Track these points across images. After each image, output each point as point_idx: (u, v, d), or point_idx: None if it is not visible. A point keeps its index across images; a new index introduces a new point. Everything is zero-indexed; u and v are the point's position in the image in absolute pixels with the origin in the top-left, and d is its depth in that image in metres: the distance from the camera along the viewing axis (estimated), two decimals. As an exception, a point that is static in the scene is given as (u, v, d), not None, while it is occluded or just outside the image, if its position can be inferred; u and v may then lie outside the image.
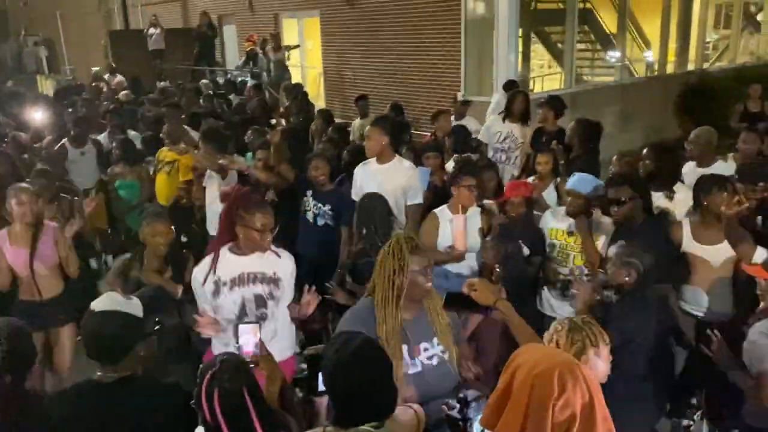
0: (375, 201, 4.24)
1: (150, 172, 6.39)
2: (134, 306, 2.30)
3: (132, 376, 2.28)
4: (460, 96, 8.10)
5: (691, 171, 4.60)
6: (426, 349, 2.72)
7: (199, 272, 3.25)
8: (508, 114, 6.55)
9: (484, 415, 1.74)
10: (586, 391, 1.58)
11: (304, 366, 2.06)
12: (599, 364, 2.43)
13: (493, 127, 6.67)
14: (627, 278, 3.21)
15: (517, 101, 6.53)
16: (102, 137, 7.30)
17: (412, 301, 2.71)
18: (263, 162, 5.30)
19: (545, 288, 4.29)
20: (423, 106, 10.72)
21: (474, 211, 4.49)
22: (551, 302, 4.25)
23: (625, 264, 3.24)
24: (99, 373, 2.27)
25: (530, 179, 5.34)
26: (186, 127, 6.80)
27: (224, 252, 3.26)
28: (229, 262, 3.25)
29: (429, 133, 7.85)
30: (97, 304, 2.27)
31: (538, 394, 1.57)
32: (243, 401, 2.02)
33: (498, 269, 3.52)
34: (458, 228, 4.27)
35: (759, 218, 4.03)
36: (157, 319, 2.41)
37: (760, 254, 3.35)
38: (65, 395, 2.31)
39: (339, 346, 2.08)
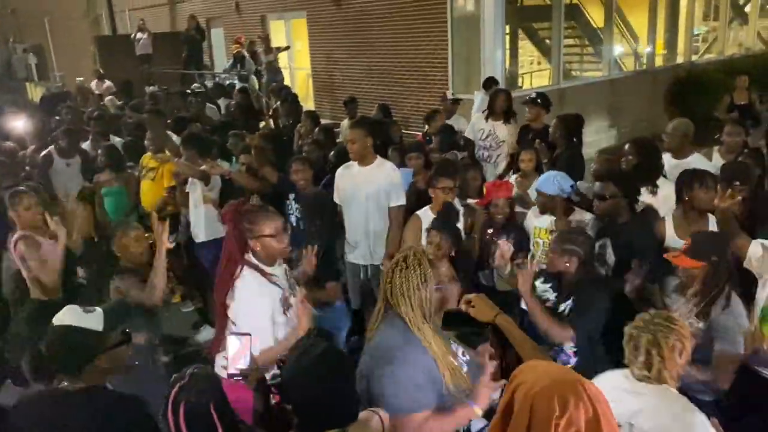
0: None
1: (136, 178, 6.35)
2: (94, 318, 2.26)
3: (89, 387, 2.25)
4: (449, 94, 8.06)
5: (667, 163, 4.58)
6: (462, 353, 2.64)
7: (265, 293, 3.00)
8: (491, 112, 6.59)
9: None
10: (590, 407, 1.53)
11: (278, 371, 2.04)
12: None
13: (477, 125, 6.71)
14: (567, 265, 3.20)
15: (499, 99, 6.57)
16: (85, 145, 7.24)
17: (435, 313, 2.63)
18: (246, 166, 5.27)
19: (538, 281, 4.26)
20: (412, 106, 10.71)
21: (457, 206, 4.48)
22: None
23: (565, 251, 3.22)
24: (64, 384, 2.26)
25: (512, 178, 5.34)
26: (170, 132, 6.75)
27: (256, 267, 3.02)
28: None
29: (419, 133, 7.85)
30: (57, 318, 2.25)
31: (539, 413, 1.52)
32: (209, 417, 1.98)
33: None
34: None
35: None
36: (126, 331, 2.36)
37: (754, 248, 3.32)
38: (23, 404, 2.28)
39: (301, 352, 2.08)
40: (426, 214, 4.45)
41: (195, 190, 5.52)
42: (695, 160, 4.55)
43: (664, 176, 4.39)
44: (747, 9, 15.53)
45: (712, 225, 3.72)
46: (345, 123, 8.33)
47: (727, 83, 9.49)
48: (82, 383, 2.24)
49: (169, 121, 7.43)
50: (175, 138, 6.54)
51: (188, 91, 10.18)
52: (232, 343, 2.43)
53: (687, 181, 3.76)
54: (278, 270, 3.09)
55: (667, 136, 4.86)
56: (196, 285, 6.01)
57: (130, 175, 6.28)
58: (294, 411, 2.05)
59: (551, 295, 3.67)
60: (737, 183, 3.88)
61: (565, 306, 3.37)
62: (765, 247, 3.37)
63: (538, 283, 3.89)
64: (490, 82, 8.08)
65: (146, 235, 4.02)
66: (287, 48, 13.30)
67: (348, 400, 2.05)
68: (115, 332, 2.30)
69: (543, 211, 4.18)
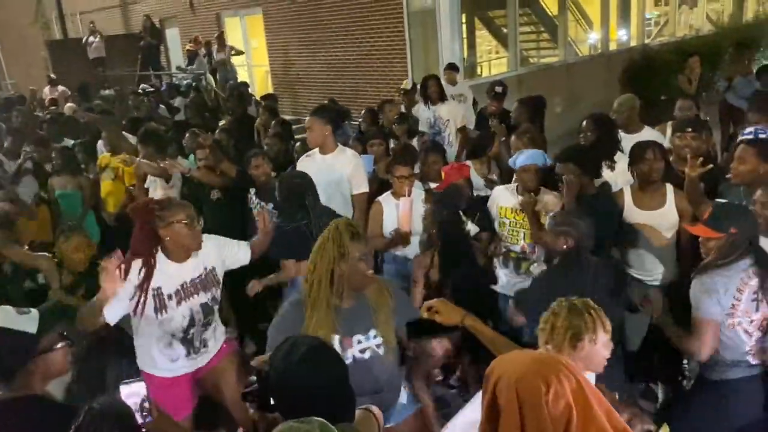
0: (304, 180, 4.13)
1: (92, 180, 6.23)
2: (28, 320, 2.13)
3: (20, 396, 2.08)
4: (407, 84, 8.09)
5: (622, 138, 4.67)
6: (359, 342, 2.64)
7: (132, 276, 3.05)
8: (427, 99, 6.81)
9: None
10: (572, 378, 1.54)
11: (253, 378, 1.88)
12: (594, 351, 2.26)
13: (422, 116, 6.85)
14: (565, 246, 3.24)
15: (430, 85, 6.82)
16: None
17: (352, 290, 2.62)
18: (204, 162, 5.21)
19: (498, 267, 4.30)
20: (373, 98, 10.68)
21: (418, 195, 4.49)
22: (504, 280, 4.26)
23: (561, 233, 3.26)
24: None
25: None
26: (124, 133, 6.65)
27: (161, 257, 3.10)
28: (167, 271, 3.12)
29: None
30: None
31: (527, 397, 1.52)
32: None
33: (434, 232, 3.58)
34: (404, 210, 4.28)
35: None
36: (64, 333, 2.21)
37: None
38: None
39: (287, 350, 1.89)
40: (387, 199, 4.46)
41: (155, 189, 5.44)
42: (647, 134, 4.65)
43: (621, 151, 4.47)
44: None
45: (670, 193, 3.81)
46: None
47: (677, 64, 9.67)
48: (9, 391, 2.08)
49: (124, 122, 7.31)
50: (130, 138, 6.44)
51: (139, 91, 9.99)
52: (127, 393, 2.07)
53: (639, 152, 3.84)
54: (189, 263, 3.17)
55: (614, 112, 4.96)
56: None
57: (84, 177, 6.16)
58: (284, 415, 1.81)
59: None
60: (689, 129, 4.07)
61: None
62: None
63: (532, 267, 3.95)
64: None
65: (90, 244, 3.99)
66: (241, 53, 13.17)
67: (343, 398, 1.88)
68: (50, 335, 2.15)
69: (527, 189, 4.08)
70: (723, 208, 3.05)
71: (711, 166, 3.47)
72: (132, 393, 2.05)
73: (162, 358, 3.24)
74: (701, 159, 3.44)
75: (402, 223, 4.35)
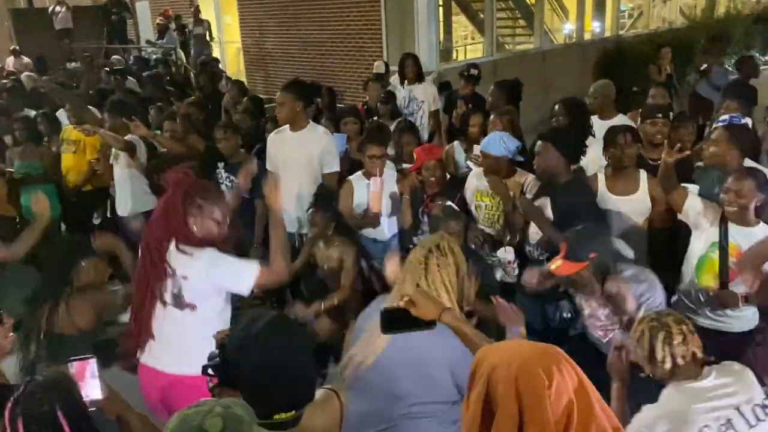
0: None
1: (53, 152, 6.03)
2: None
3: None
4: (380, 66, 7.98)
5: (594, 124, 4.67)
6: None
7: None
8: (404, 78, 6.73)
9: None
10: (573, 373, 1.42)
11: (216, 352, 1.78)
12: None
13: (398, 95, 6.74)
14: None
15: (408, 64, 6.74)
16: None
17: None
18: (171, 133, 5.07)
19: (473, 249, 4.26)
20: (347, 78, 10.56)
21: (390, 175, 4.43)
22: None
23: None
24: None
25: (456, 144, 5.30)
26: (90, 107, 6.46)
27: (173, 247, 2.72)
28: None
29: (358, 104, 7.75)
30: None
31: (528, 391, 1.37)
32: (57, 427, 1.71)
33: None
34: (374, 190, 4.22)
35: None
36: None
37: (693, 201, 3.39)
38: None
39: (246, 324, 1.78)
40: (358, 178, 4.39)
41: (119, 162, 5.28)
42: (621, 120, 4.65)
43: (593, 135, 4.46)
44: (670, -15, 16.03)
45: (643, 180, 3.81)
46: None
47: (650, 56, 9.74)
48: None
49: (91, 92, 7.09)
50: (94, 111, 6.25)
51: (106, 69, 9.71)
52: (74, 370, 1.98)
53: (613, 136, 3.82)
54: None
55: (590, 98, 4.96)
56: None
57: (44, 148, 5.96)
58: (240, 393, 1.72)
59: (511, 256, 3.81)
60: (659, 115, 4.12)
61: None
62: (704, 200, 3.45)
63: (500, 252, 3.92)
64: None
65: None
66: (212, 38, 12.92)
67: (303, 376, 1.78)
68: None
69: (489, 173, 4.08)
70: (574, 238, 3.08)
71: (688, 152, 3.46)
72: (80, 370, 1.95)
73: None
74: (678, 145, 3.42)
75: (372, 204, 4.29)
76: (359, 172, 4.47)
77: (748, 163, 3.63)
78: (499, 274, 4.11)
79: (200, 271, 2.65)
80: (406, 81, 6.75)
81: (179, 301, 2.68)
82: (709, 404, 2.15)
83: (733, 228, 3.17)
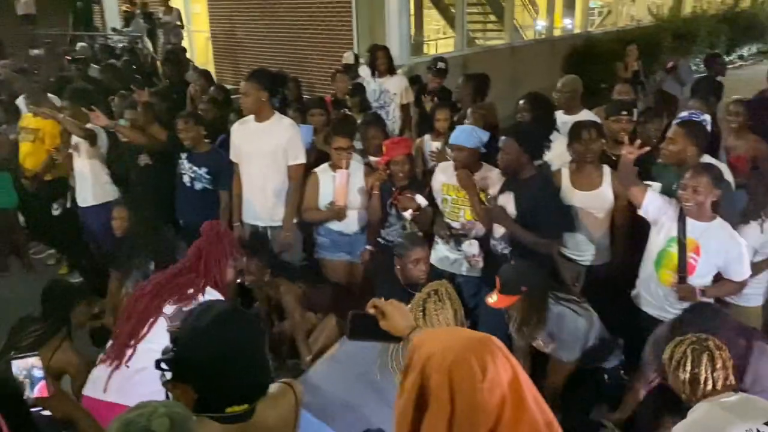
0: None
1: (9, 139, 5.86)
2: None
3: None
4: (346, 58, 7.93)
5: (559, 119, 4.69)
6: None
7: None
8: (375, 70, 6.62)
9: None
10: (508, 366, 1.37)
11: (170, 346, 1.72)
12: None
13: (368, 87, 6.65)
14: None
15: (379, 56, 6.63)
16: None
17: None
18: (132, 122, 4.95)
19: (438, 242, 4.26)
20: (317, 69, 10.47)
21: (356, 168, 4.40)
22: (442, 255, 4.22)
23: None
24: None
25: (427, 138, 5.28)
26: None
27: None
28: None
29: (327, 96, 7.68)
30: None
31: (461, 383, 1.34)
32: None
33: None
34: (340, 183, 4.18)
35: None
36: None
37: (653, 197, 3.43)
38: None
39: (198, 315, 1.74)
40: (324, 170, 4.34)
41: (79, 151, 5.15)
42: (586, 116, 4.68)
43: (557, 131, 4.47)
44: (638, -16, 16.27)
45: (606, 175, 3.84)
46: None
47: (618, 53, 9.84)
48: None
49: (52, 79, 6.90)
50: (55, 100, 6.09)
51: (68, 57, 9.47)
52: (18, 367, 1.92)
53: (578, 131, 3.85)
54: None
55: (557, 92, 4.98)
56: (84, 254, 5.63)
57: (2, 136, 5.80)
58: (193, 386, 1.69)
59: (476, 249, 3.86)
60: (624, 113, 4.17)
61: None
62: (663, 196, 3.50)
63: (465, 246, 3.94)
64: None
65: None
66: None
67: (257, 368, 1.74)
68: None
69: (462, 166, 4.02)
70: (506, 273, 3.20)
71: (648, 148, 3.50)
72: (24, 366, 1.89)
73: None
74: (638, 142, 3.46)
75: (337, 197, 4.26)
76: (325, 164, 4.43)
77: (706, 159, 3.70)
78: (464, 268, 4.13)
79: None
80: (377, 73, 6.67)
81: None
82: (740, 418, 2.19)
83: (690, 223, 3.22)
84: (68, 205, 5.67)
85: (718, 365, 2.25)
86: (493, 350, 1.39)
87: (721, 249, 3.19)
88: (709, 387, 2.26)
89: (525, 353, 3.35)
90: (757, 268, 3.50)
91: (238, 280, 3.90)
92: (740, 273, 3.25)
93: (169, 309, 2.69)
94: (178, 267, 2.87)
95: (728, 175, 3.81)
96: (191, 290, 2.74)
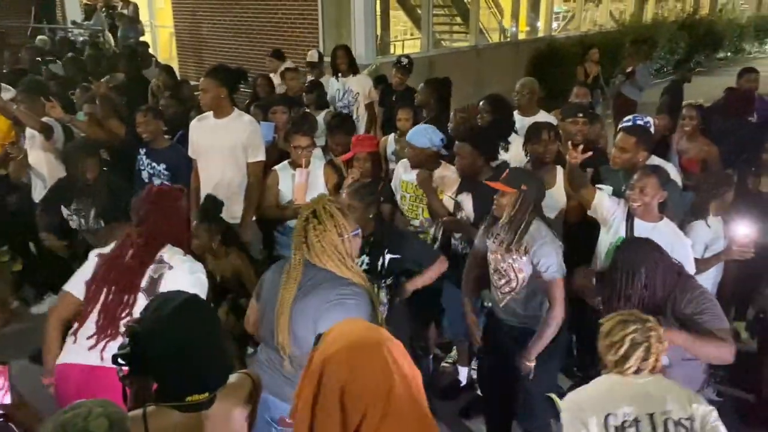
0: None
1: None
2: None
3: None
4: (310, 56, 7.94)
5: (517, 121, 4.77)
6: None
7: None
8: (337, 71, 6.66)
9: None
10: (392, 378, 1.36)
11: (126, 341, 1.73)
12: None
13: (331, 88, 6.68)
14: None
15: (339, 56, 6.67)
16: None
17: None
18: (90, 117, 4.87)
19: None
20: (285, 67, 10.41)
21: (317, 166, 4.40)
22: None
23: None
24: None
25: (391, 137, 5.29)
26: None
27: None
28: None
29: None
30: None
31: (328, 378, 1.36)
32: None
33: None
34: (299, 181, 4.18)
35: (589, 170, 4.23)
36: None
37: (601, 198, 3.52)
38: None
39: (158, 305, 1.78)
40: (284, 168, 4.34)
41: (35, 145, 5.04)
42: (543, 117, 4.76)
43: (516, 132, 4.55)
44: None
45: (560, 175, 3.91)
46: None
47: (581, 57, 10.04)
48: None
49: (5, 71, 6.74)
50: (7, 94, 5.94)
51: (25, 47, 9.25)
52: None
53: (535, 132, 3.92)
54: None
55: (516, 94, 5.06)
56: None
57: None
58: (153, 375, 1.74)
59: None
60: (580, 115, 4.25)
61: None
62: (611, 197, 3.59)
63: None
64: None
65: None
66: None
67: (217, 357, 1.79)
68: None
69: (413, 165, 4.12)
70: (516, 170, 3.35)
71: (590, 153, 3.58)
72: None
73: None
74: (581, 146, 3.54)
75: (296, 195, 4.25)
76: (285, 162, 4.41)
77: (655, 160, 3.80)
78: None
79: (183, 263, 2.76)
80: (339, 73, 6.68)
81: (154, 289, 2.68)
82: (628, 398, 2.23)
83: (638, 223, 3.31)
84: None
85: (651, 358, 2.27)
86: (374, 357, 1.39)
87: (668, 248, 3.26)
88: (632, 370, 2.27)
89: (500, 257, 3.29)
90: (707, 263, 3.62)
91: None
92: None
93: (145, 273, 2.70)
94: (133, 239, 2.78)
95: (676, 176, 3.93)
96: (151, 251, 2.73)
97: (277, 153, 4.86)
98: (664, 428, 2.20)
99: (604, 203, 3.48)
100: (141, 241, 2.72)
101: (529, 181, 3.17)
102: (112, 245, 2.79)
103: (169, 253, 2.74)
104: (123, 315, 2.63)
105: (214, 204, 4.03)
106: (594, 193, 3.52)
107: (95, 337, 2.61)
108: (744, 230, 3.36)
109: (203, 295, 2.69)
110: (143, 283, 2.66)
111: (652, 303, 2.69)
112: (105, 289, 2.67)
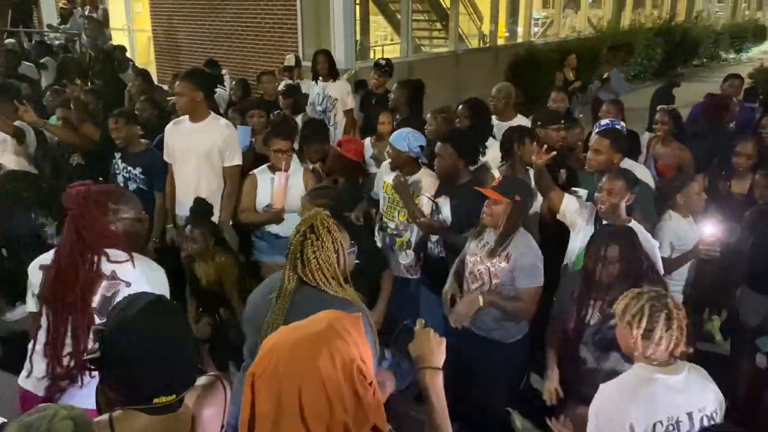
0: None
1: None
2: None
3: None
4: (287, 60, 7.91)
5: (494, 125, 4.80)
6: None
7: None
8: (317, 75, 6.62)
9: None
10: (339, 366, 1.33)
11: (96, 345, 1.71)
12: None
13: (311, 91, 6.65)
14: None
15: (320, 61, 6.62)
16: None
17: None
18: (64, 121, 4.81)
19: (377, 241, 4.29)
20: (261, 71, 10.38)
21: (296, 170, 4.38)
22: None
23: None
24: None
25: (368, 140, 5.29)
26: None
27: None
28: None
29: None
30: None
31: (283, 372, 1.33)
32: None
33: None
34: (279, 186, 4.15)
35: (563, 171, 4.27)
36: None
37: (569, 201, 3.54)
38: None
39: (124, 305, 1.75)
40: (262, 172, 4.31)
41: (6, 149, 4.97)
42: (519, 122, 4.80)
43: (493, 137, 4.57)
44: (579, -3, 16.78)
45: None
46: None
47: (559, 62, 10.15)
48: None
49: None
50: None
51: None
52: None
53: (518, 136, 3.95)
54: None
55: (492, 98, 5.09)
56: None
57: None
58: (117, 380, 1.70)
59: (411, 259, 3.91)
60: (562, 122, 4.33)
61: None
62: (579, 199, 3.63)
63: None
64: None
65: None
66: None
67: (183, 358, 1.76)
68: None
69: (393, 167, 4.12)
70: (510, 179, 3.36)
71: (554, 153, 3.62)
72: None
73: None
74: (545, 147, 3.57)
75: (275, 199, 4.22)
76: (264, 166, 4.38)
77: (628, 163, 3.84)
78: (402, 268, 4.17)
79: (140, 277, 2.54)
80: (320, 78, 6.66)
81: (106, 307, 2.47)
82: (673, 401, 2.21)
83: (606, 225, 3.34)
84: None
85: (674, 325, 2.22)
86: (319, 348, 1.35)
87: None
88: (662, 347, 2.23)
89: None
90: (676, 263, 3.67)
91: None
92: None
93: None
94: (66, 249, 2.54)
95: (648, 178, 3.98)
96: (93, 266, 2.50)
97: (253, 157, 4.83)
98: (700, 424, 2.22)
99: (572, 206, 3.52)
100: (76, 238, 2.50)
101: (522, 191, 3.20)
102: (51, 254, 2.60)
103: (118, 267, 2.52)
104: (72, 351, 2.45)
105: (204, 207, 4.00)
106: (562, 197, 3.56)
107: (48, 380, 2.49)
108: (710, 229, 3.40)
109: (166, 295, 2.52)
110: (95, 303, 2.48)
111: (627, 284, 2.67)
112: (50, 313, 2.49)
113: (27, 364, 2.57)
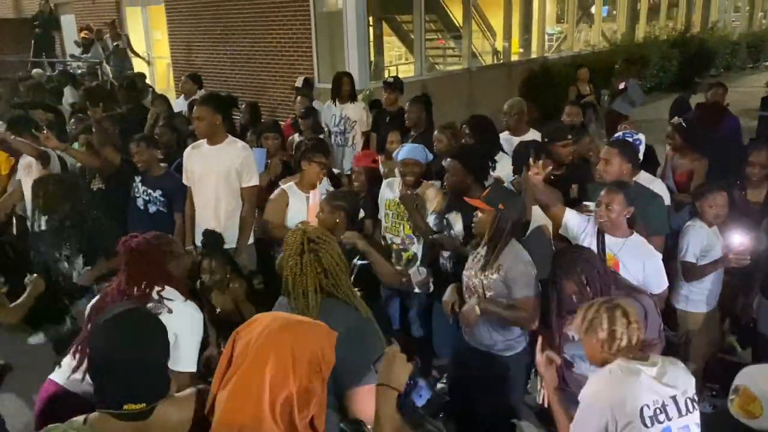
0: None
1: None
2: None
3: None
4: (297, 82, 8.03)
5: (506, 141, 4.83)
6: None
7: None
8: (337, 96, 6.71)
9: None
10: (309, 355, 1.54)
11: None
12: None
13: (326, 113, 6.73)
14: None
15: (343, 83, 6.74)
16: None
17: None
18: (87, 145, 4.94)
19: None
20: (278, 95, 10.55)
21: (324, 187, 4.42)
22: None
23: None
24: None
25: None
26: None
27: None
28: None
29: (286, 120, 7.76)
30: None
31: (265, 339, 1.53)
32: None
33: None
34: (314, 203, 4.14)
35: (574, 186, 4.27)
36: None
37: (569, 216, 3.56)
38: None
39: (102, 316, 1.87)
40: (294, 192, 4.33)
41: (30, 173, 5.10)
42: (533, 136, 4.82)
43: (503, 151, 4.60)
44: (592, 10, 16.77)
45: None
46: None
47: (574, 76, 10.14)
48: None
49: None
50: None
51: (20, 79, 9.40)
52: None
53: (525, 151, 3.98)
54: None
55: (505, 114, 5.12)
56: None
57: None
58: (96, 383, 1.79)
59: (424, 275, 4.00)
60: (569, 137, 4.32)
61: None
62: (580, 215, 3.62)
63: None
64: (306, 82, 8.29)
65: None
66: (147, 62, 12.77)
67: (158, 366, 1.82)
68: None
69: (412, 183, 4.12)
70: (497, 188, 3.41)
71: (550, 167, 3.64)
72: None
73: None
74: (542, 161, 3.59)
75: (311, 217, 4.23)
76: (291, 183, 4.41)
77: (645, 176, 3.84)
78: (414, 285, 4.20)
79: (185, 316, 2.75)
80: (337, 99, 6.73)
81: None
82: (656, 387, 2.32)
83: (608, 239, 3.35)
84: (14, 231, 5.55)
85: (632, 319, 2.36)
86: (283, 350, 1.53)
87: (639, 263, 3.30)
88: (624, 342, 2.34)
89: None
90: (703, 270, 3.68)
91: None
92: (659, 285, 3.36)
93: None
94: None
95: (664, 192, 3.98)
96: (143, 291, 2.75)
97: (268, 179, 4.91)
98: (686, 408, 2.34)
99: (574, 221, 3.53)
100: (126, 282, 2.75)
101: (507, 201, 3.21)
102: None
103: (170, 294, 2.74)
104: None
105: (215, 238, 4.09)
106: (563, 212, 3.57)
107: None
108: (739, 238, 3.41)
109: (198, 338, 2.77)
110: None
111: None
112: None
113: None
